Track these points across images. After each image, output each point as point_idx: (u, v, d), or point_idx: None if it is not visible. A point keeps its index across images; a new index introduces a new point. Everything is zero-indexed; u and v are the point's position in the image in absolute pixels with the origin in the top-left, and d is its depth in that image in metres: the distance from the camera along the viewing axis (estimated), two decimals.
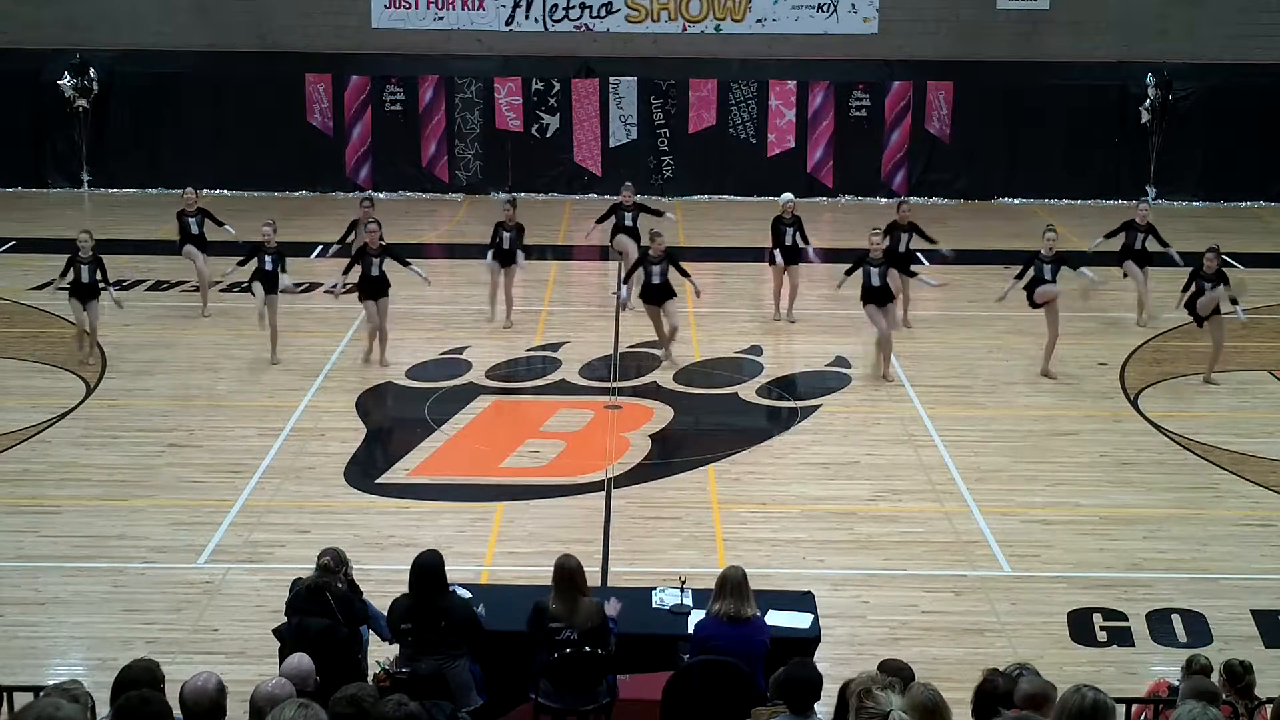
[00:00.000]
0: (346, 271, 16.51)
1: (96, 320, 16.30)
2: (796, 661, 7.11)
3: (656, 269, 16.37)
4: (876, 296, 15.93)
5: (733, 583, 8.30)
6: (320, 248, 20.07)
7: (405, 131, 26.26)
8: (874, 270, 15.94)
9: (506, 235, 17.73)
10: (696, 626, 8.48)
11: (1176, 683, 8.05)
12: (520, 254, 17.76)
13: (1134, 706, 8.19)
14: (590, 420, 14.97)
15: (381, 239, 16.60)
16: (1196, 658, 8.04)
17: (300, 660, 7.09)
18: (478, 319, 18.17)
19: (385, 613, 8.59)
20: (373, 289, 16.19)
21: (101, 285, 16.12)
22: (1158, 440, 14.54)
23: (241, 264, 16.89)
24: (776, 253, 18.16)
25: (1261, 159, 26.05)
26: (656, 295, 16.47)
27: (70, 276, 16.05)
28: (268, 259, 16.34)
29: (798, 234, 18.22)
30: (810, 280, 20.96)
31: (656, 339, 16.82)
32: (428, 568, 8.36)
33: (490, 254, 17.77)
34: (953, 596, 11.19)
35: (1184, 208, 26.11)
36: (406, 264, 16.52)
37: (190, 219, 18.49)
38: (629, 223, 18.89)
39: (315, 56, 25.99)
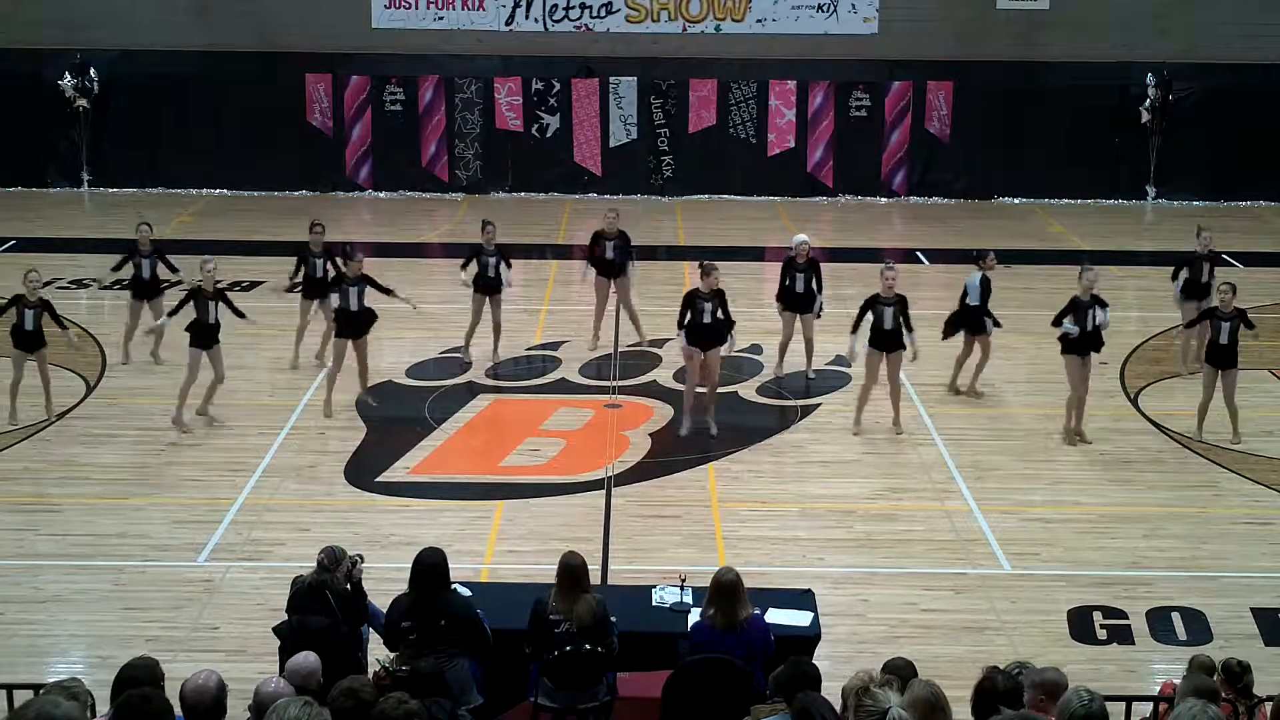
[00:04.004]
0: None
1: (46, 368, 14.48)
2: (795, 660, 7.11)
3: (707, 306, 14.18)
4: (886, 341, 14.32)
5: (724, 591, 8.24)
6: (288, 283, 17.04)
7: (405, 131, 26.27)
8: (887, 311, 14.26)
9: (490, 261, 16.12)
10: (692, 629, 8.48)
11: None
12: (507, 275, 16.24)
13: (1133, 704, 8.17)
14: (590, 419, 14.97)
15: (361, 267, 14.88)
16: (1198, 657, 8.03)
17: (305, 658, 7.09)
18: (465, 318, 18.14)
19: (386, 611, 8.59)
20: (351, 325, 14.62)
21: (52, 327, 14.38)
22: (1158, 439, 14.55)
23: (173, 314, 14.73)
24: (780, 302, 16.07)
25: (1261, 159, 26.04)
26: (705, 338, 14.20)
27: (11, 319, 14.27)
28: (210, 306, 14.23)
29: (812, 281, 15.86)
30: None
31: (692, 386, 14.62)
32: (430, 565, 8.35)
33: (471, 284, 16.20)
34: (953, 595, 11.20)
35: (1184, 208, 26.11)
36: (390, 293, 15.03)
37: (144, 260, 16.24)
38: (609, 254, 16.80)
39: (315, 56, 26.00)
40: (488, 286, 16.32)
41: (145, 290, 16.34)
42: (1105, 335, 14.38)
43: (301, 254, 16.23)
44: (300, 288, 16.18)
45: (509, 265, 16.42)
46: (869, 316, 14.35)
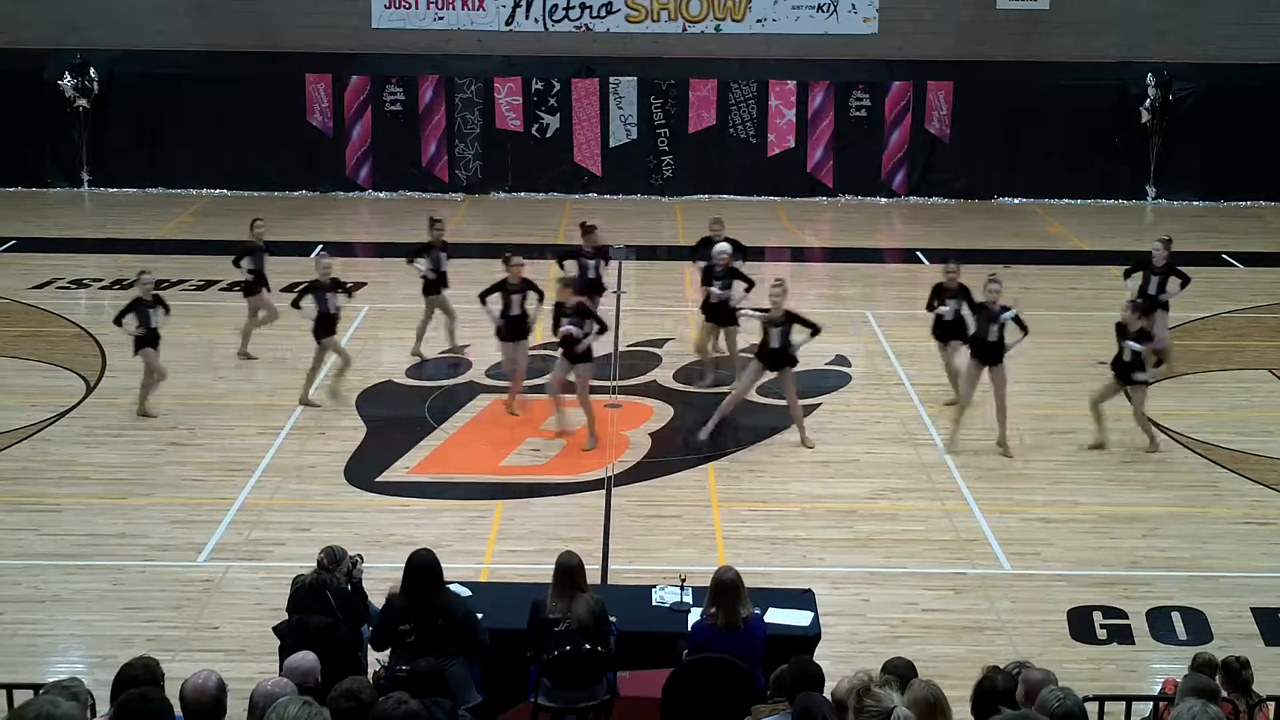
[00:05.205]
0: (484, 299, 14.83)
1: (162, 369, 14.77)
2: (797, 659, 7.12)
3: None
4: (772, 359, 14.01)
5: (726, 590, 8.25)
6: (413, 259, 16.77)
7: (405, 131, 26.28)
8: (774, 331, 13.86)
9: (590, 264, 15.78)
10: (693, 628, 8.48)
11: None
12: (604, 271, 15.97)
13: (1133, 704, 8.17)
14: (597, 416, 14.93)
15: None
16: (1200, 654, 8.04)
17: (304, 657, 7.09)
18: (478, 318, 18.11)
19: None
20: (514, 329, 14.84)
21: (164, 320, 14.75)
22: (1158, 439, 14.53)
23: (296, 304, 15.09)
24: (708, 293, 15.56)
25: (1261, 159, 26.06)
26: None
27: (136, 324, 14.48)
28: (327, 298, 14.80)
29: (731, 288, 15.37)
30: (809, 280, 20.98)
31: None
32: (424, 566, 8.33)
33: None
34: (953, 594, 11.19)
35: (1184, 208, 26.14)
36: (542, 299, 15.03)
37: (265, 256, 16.58)
38: (717, 270, 15.73)
39: (315, 56, 26.00)
40: (590, 289, 16.20)
41: (261, 285, 16.55)
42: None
43: (426, 249, 16.31)
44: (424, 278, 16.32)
45: (607, 263, 16.52)
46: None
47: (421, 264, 16.35)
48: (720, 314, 15.50)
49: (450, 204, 25.81)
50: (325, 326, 14.92)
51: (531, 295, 14.87)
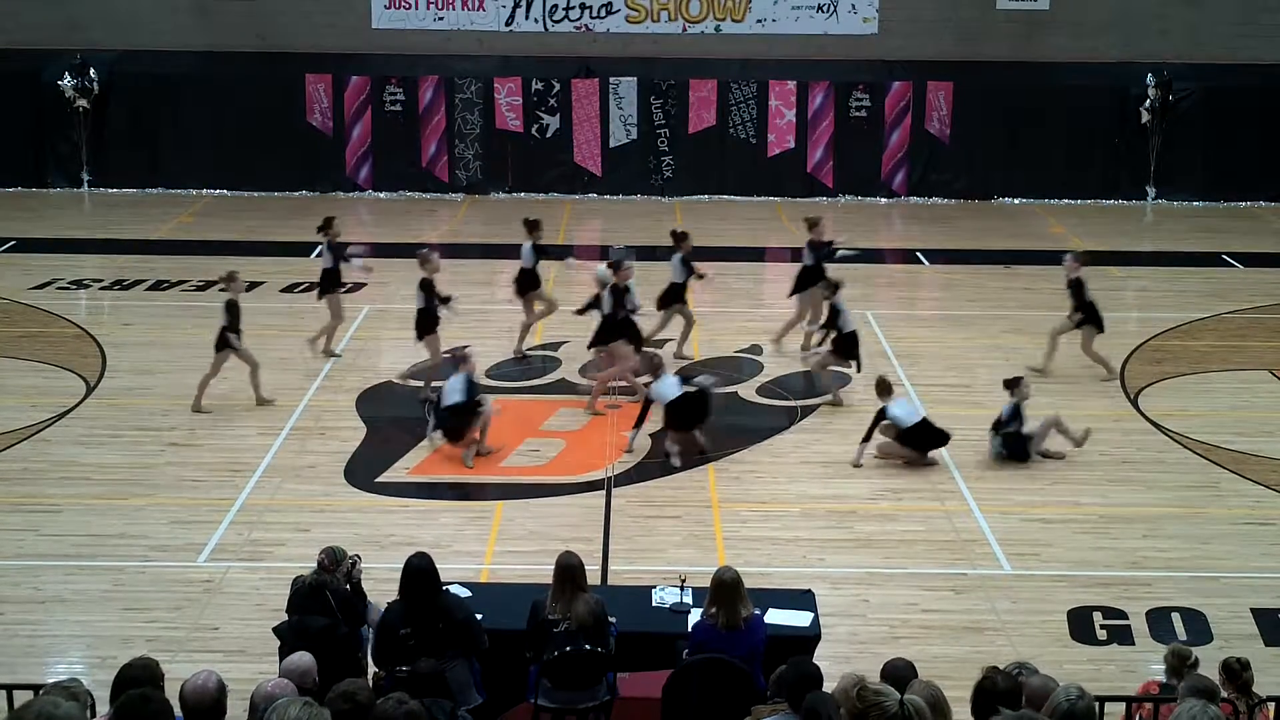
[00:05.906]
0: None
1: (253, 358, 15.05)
2: (797, 660, 7.12)
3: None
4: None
5: (726, 589, 8.27)
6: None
7: (405, 131, 26.26)
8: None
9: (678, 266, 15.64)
10: (693, 629, 8.49)
11: (1164, 679, 8.06)
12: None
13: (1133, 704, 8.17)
14: (590, 419, 14.96)
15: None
16: (1175, 649, 8.07)
17: (301, 657, 7.11)
18: (477, 318, 18.14)
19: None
20: (612, 334, 15.26)
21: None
22: (1158, 439, 14.53)
23: (446, 302, 15.32)
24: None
25: (1261, 159, 26.03)
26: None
27: (226, 321, 14.79)
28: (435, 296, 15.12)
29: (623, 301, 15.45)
30: None
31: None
32: (421, 570, 8.31)
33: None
34: (953, 595, 11.19)
35: (1184, 208, 26.12)
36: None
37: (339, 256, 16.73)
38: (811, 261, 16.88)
39: (315, 56, 25.99)
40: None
41: (335, 283, 16.62)
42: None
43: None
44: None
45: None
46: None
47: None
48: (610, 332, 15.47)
49: (450, 204, 25.81)
50: (431, 324, 15.10)
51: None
